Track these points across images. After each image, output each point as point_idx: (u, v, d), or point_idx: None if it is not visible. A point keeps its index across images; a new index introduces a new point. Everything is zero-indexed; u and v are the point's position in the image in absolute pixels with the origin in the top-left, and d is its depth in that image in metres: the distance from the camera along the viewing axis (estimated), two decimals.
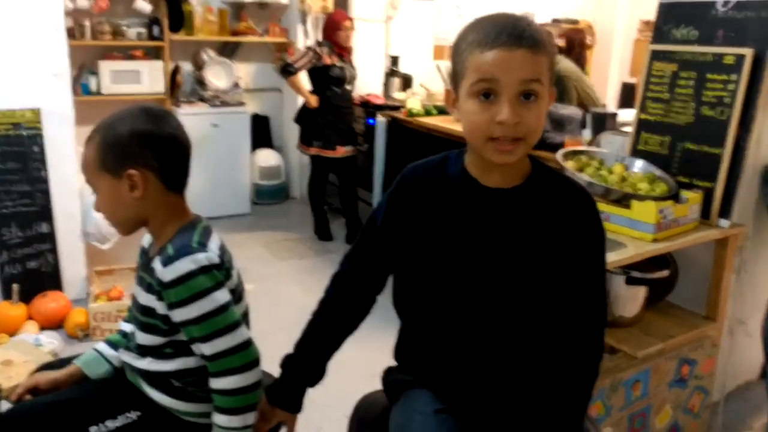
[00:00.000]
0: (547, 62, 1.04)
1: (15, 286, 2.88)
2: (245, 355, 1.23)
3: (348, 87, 4.15)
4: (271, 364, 1.42)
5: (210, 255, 1.23)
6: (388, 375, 1.35)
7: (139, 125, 1.25)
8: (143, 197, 1.25)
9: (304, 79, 4.13)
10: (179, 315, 1.21)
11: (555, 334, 1.17)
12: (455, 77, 1.10)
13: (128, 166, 1.23)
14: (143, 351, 1.32)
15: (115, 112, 1.29)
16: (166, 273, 1.20)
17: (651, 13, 2.39)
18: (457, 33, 1.11)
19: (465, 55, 1.05)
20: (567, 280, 1.15)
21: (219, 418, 1.24)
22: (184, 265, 1.19)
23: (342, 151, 4.12)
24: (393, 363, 1.35)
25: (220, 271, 1.24)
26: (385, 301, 1.33)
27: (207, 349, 1.22)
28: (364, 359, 1.85)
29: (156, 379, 1.31)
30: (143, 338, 1.31)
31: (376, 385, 1.40)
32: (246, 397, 1.24)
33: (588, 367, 1.19)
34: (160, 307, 1.24)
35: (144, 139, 1.24)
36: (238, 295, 1.33)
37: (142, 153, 1.24)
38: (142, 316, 1.29)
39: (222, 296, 1.22)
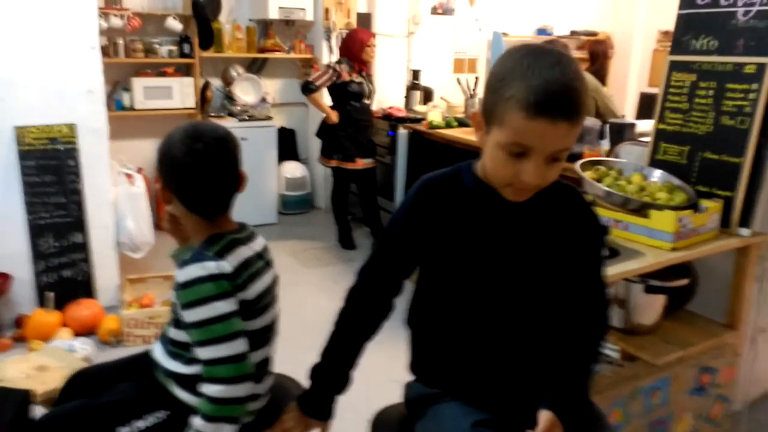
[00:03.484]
0: (581, 127, 1.04)
1: (50, 294, 2.98)
2: (236, 368, 1.25)
3: (366, 101, 4.23)
4: (296, 367, 1.45)
5: (221, 264, 1.27)
6: (411, 389, 1.35)
7: (163, 146, 1.32)
8: (176, 209, 1.35)
9: (325, 95, 4.23)
10: (185, 316, 1.27)
11: (568, 321, 1.24)
12: (489, 114, 1.07)
13: (160, 180, 1.34)
14: (173, 351, 1.37)
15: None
16: (180, 275, 1.27)
17: (670, 24, 2.38)
18: (502, 62, 1.07)
19: (506, 107, 1.01)
20: (577, 273, 1.24)
21: (195, 420, 1.26)
22: (194, 271, 1.25)
23: (361, 163, 4.20)
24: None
25: (231, 282, 1.27)
26: (403, 305, 1.35)
27: (202, 353, 1.26)
28: (383, 364, 1.88)
29: (183, 380, 1.36)
30: (173, 332, 1.37)
31: (393, 389, 1.42)
32: (227, 408, 1.25)
33: (598, 344, 1.28)
34: (178, 305, 1.30)
35: (161, 159, 1.32)
36: (260, 308, 1.36)
37: (162, 172, 1.33)
38: (171, 312, 1.37)
39: (224, 306, 1.25)
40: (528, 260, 1.20)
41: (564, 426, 1.16)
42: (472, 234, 1.19)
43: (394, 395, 1.44)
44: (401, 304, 1.35)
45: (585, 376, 1.25)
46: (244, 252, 1.35)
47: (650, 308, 2.00)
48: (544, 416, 1.16)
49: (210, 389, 1.25)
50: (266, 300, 1.39)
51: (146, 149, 4.71)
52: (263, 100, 4.88)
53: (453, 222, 1.20)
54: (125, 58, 4.39)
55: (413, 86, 5.11)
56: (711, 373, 2.05)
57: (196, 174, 1.29)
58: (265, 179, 4.86)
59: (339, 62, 4.14)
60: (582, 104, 1.01)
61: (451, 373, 1.27)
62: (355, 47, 4.09)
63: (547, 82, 0.98)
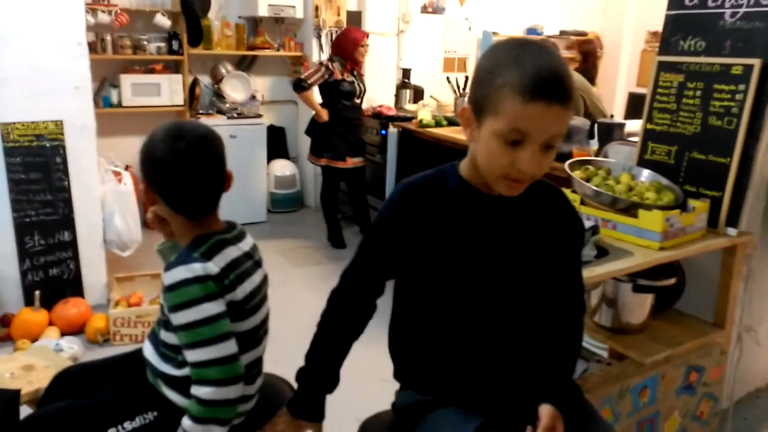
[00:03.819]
0: (572, 112, 1.08)
1: (37, 293, 2.95)
2: (226, 370, 1.24)
3: (357, 100, 4.23)
4: (285, 366, 1.45)
5: (207, 266, 1.25)
6: (402, 398, 1.34)
7: (145, 146, 1.30)
8: (161, 210, 1.35)
9: (315, 93, 4.22)
10: (173, 319, 1.26)
11: (549, 317, 1.30)
12: (481, 106, 1.07)
13: (144, 182, 1.33)
14: (164, 353, 1.36)
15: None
16: (165, 278, 1.26)
17: (658, 24, 2.39)
18: (489, 55, 1.08)
19: (500, 94, 1.02)
20: (558, 270, 1.28)
21: (185, 421, 1.25)
22: (180, 273, 1.24)
23: (351, 162, 4.20)
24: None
25: (218, 284, 1.26)
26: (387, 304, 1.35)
27: (190, 356, 1.25)
28: (372, 363, 1.88)
29: (174, 382, 1.35)
30: (163, 334, 1.35)
31: (383, 387, 1.41)
32: (216, 410, 1.24)
33: (579, 330, 1.34)
34: (166, 308, 1.29)
35: (143, 159, 1.31)
36: (250, 308, 1.35)
37: (145, 173, 1.31)
38: (161, 314, 1.35)
39: (211, 308, 1.24)
40: (513, 258, 1.22)
41: (563, 418, 1.19)
42: (457, 235, 1.19)
43: (384, 394, 1.44)
44: (386, 303, 1.35)
45: (571, 369, 1.29)
46: (232, 252, 1.34)
47: (638, 307, 2.01)
48: (546, 411, 1.18)
49: (200, 391, 1.24)
50: (256, 300, 1.38)
51: (134, 147, 4.64)
52: (253, 97, 4.86)
53: (437, 224, 1.19)
54: (113, 54, 4.35)
55: (403, 85, 5.11)
56: (699, 372, 2.06)
57: (179, 174, 1.28)
58: (254, 177, 4.84)
59: (332, 60, 4.12)
60: (572, 89, 1.04)
61: (444, 379, 1.27)
62: (349, 46, 4.08)
63: (539, 68, 1.01)
